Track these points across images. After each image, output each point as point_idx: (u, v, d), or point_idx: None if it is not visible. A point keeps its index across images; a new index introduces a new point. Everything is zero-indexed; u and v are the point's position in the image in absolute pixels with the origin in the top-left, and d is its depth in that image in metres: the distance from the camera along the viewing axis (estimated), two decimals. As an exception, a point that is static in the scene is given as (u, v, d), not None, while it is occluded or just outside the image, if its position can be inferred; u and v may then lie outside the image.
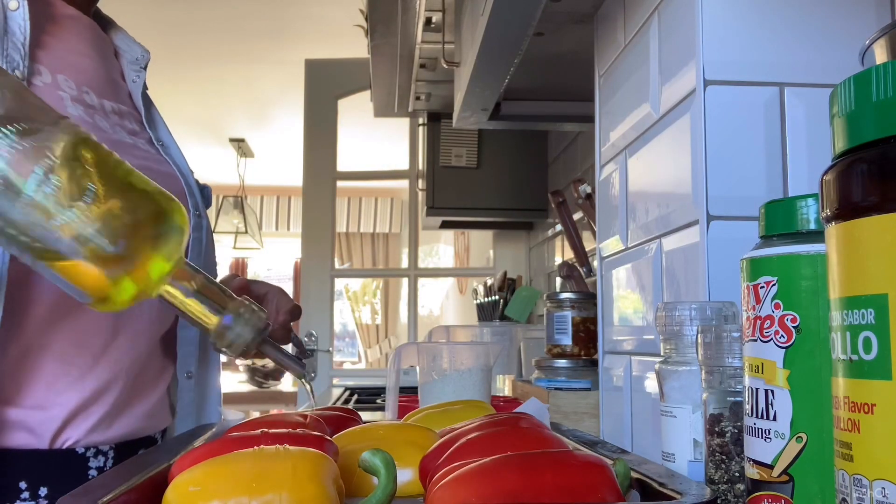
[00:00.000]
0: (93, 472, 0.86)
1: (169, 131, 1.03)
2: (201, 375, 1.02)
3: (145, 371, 0.93)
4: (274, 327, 0.99)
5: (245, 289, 1.01)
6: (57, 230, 0.55)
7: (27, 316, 0.80)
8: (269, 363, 5.65)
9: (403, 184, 3.78)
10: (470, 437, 0.58)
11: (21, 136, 0.55)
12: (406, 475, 0.58)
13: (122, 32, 1.02)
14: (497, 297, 2.74)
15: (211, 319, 0.59)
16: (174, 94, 4.41)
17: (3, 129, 0.54)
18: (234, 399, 5.11)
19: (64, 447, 0.84)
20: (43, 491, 0.82)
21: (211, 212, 1.04)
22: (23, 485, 0.81)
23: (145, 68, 1.02)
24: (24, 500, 0.81)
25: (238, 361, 5.73)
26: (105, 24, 1.00)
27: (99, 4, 1.00)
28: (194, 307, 0.59)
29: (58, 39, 0.88)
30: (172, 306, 0.59)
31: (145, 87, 1.02)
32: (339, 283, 6.67)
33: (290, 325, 1.01)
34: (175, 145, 1.01)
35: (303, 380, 0.67)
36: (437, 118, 2.62)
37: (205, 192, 1.04)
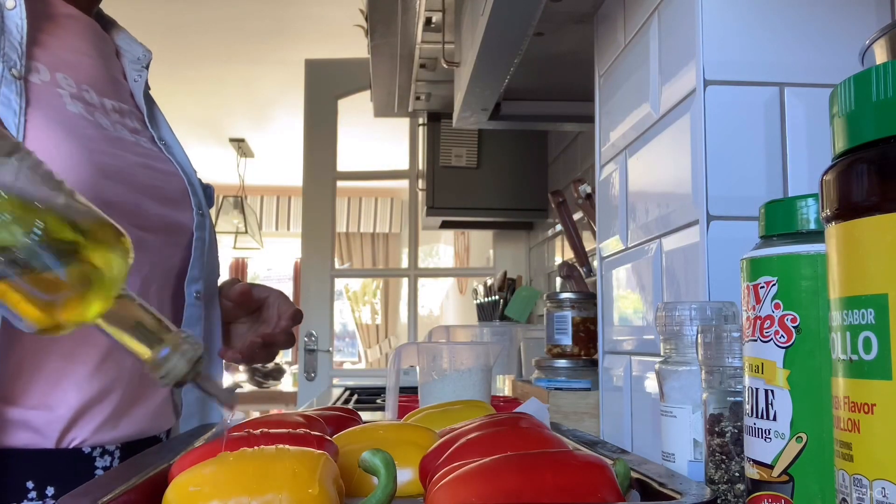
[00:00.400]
0: (99, 472, 0.86)
1: (171, 131, 1.03)
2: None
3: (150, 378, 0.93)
4: (275, 332, 0.99)
5: (246, 293, 1.01)
6: None
7: None
8: (269, 363, 5.66)
9: (403, 184, 3.78)
10: (470, 437, 0.58)
11: None
12: (406, 475, 0.58)
13: (123, 32, 1.02)
14: (497, 297, 2.74)
15: (145, 352, 0.59)
16: (175, 94, 4.41)
17: None
18: (234, 399, 5.09)
19: (70, 447, 0.84)
20: (50, 490, 0.82)
21: (211, 212, 1.04)
22: (30, 484, 0.81)
23: (147, 67, 1.02)
24: (32, 499, 0.81)
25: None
26: (107, 24, 1.00)
27: (102, 4, 1.00)
28: (128, 341, 0.59)
29: (57, 38, 0.88)
30: (108, 336, 0.59)
31: (147, 87, 1.02)
32: (339, 283, 6.67)
33: (293, 329, 1.01)
34: (178, 144, 1.01)
35: (228, 409, 0.67)
36: (437, 118, 2.62)
37: (208, 191, 1.04)
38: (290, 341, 1.01)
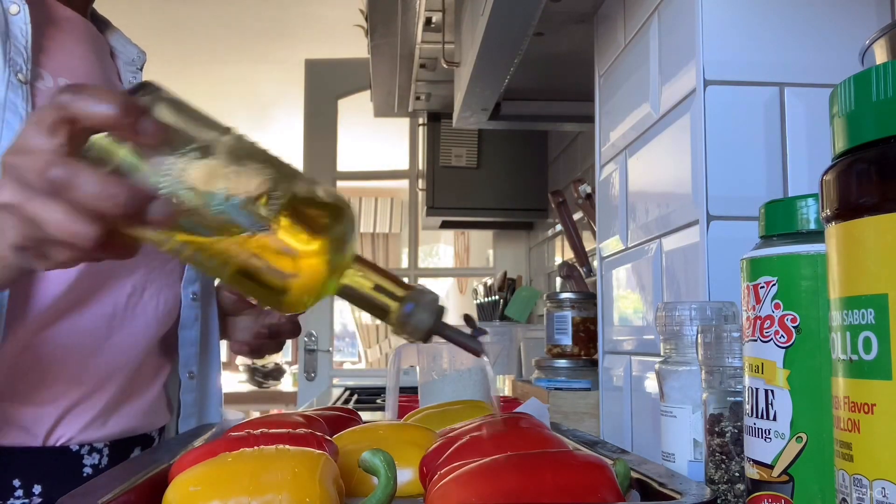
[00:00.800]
0: (87, 470, 0.86)
1: None
2: (203, 376, 1.02)
3: (141, 370, 0.92)
4: (281, 322, 0.99)
5: None
6: (244, 241, 0.54)
7: (23, 315, 0.80)
8: (269, 363, 5.65)
9: (403, 184, 3.78)
10: (470, 437, 0.58)
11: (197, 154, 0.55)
12: (406, 475, 0.58)
13: (117, 33, 1.01)
14: (497, 297, 2.74)
15: (391, 308, 0.59)
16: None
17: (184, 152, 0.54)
18: (234, 399, 5.11)
19: (58, 445, 0.84)
20: (37, 489, 0.82)
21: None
22: (16, 483, 0.81)
23: (141, 69, 1.01)
24: (18, 497, 0.81)
25: (238, 361, 5.73)
26: (101, 24, 1.00)
27: (100, 4, 0.99)
28: (377, 296, 0.59)
29: (56, 42, 0.88)
30: (353, 297, 0.59)
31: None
32: (339, 283, 6.66)
33: (298, 319, 1.01)
34: None
35: (483, 357, 0.66)
36: (437, 118, 2.62)
37: None
38: (296, 330, 1.00)
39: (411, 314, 0.58)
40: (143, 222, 0.52)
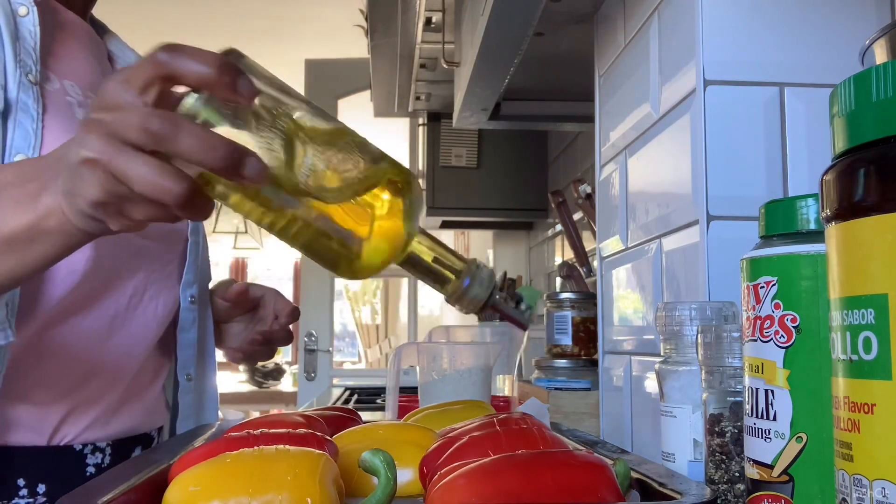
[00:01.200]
0: (90, 469, 0.87)
1: None
2: (200, 377, 1.03)
3: (142, 370, 0.93)
4: (274, 329, 1.00)
5: (243, 293, 1.01)
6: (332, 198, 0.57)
7: (27, 316, 0.81)
8: (269, 363, 5.65)
9: (403, 184, 3.77)
10: (470, 437, 0.58)
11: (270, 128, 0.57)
12: (406, 475, 0.58)
13: (116, 38, 1.02)
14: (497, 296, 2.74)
15: (451, 280, 0.62)
16: (174, 94, 4.41)
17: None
18: (234, 399, 5.11)
19: (62, 444, 0.85)
20: (41, 488, 0.82)
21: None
22: (21, 482, 0.82)
23: None
24: (23, 497, 0.81)
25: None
26: (100, 29, 1.01)
27: (100, 5, 0.99)
28: (437, 268, 0.61)
29: (61, 45, 0.88)
30: (417, 267, 0.61)
31: None
32: (339, 283, 6.67)
33: (290, 327, 1.02)
34: None
35: (523, 329, 0.69)
36: (437, 118, 2.62)
37: None
38: (288, 338, 1.02)
39: (469, 288, 0.61)
40: (238, 178, 0.52)
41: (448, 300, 0.64)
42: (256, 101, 0.55)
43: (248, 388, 5.43)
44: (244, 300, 1.02)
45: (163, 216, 0.56)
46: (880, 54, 0.57)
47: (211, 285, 1.06)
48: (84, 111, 0.86)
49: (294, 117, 0.57)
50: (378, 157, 0.59)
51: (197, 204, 0.54)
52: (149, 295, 0.92)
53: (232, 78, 0.52)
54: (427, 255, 0.62)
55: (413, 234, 0.60)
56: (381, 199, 0.58)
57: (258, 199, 0.56)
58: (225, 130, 0.54)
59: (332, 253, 0.58)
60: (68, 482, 0.83)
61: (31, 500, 0.82)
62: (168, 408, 1.01)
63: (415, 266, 0.62)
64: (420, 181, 2.95)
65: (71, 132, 0.81)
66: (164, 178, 0.52)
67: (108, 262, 0.87)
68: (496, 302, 0.63)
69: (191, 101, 0.54)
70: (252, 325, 1.04)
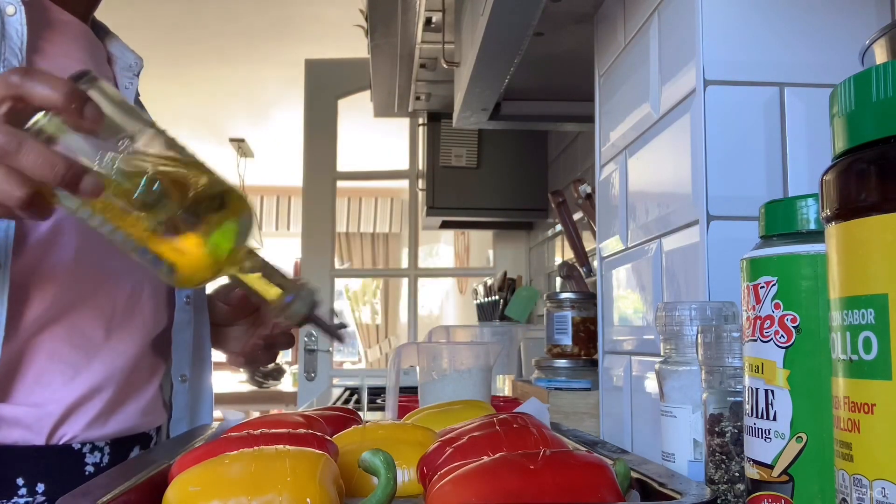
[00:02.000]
0: (89, 468, 0.87)
1: None
2: (195, 378, 1.03)
3: (139, 369, 0.93)
4: (276, 333, 1.00)
5: (244, 298, 1.01)
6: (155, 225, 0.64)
7: (24, 315, 0.81)
8: (269, 364, 5.65)
9: (403, 184, 3.78)
10: (470, 437, 0.58)
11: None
12: (406, 475, 0.58)
13: (116, 40, 1.02)
14: (497, 297, 2.74)
15: (273, 296, 0.70)
16: (175, 94, 4.41)
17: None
18: (234, 399, 5.10)
19: (61, 443, 0.85)
20: (40, 487, 0.83)
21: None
22: (20, 481, 0.82)
23: (138, 75, 1.02)
24: (22, 496, 0.81)
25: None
26: (100, 31, 1.01)
27: (101, 5, 1.00)
28: (258, 288, 0.70)
29: (53, 45, 0.88)
30: (240, 283, 0.70)
31: (137, 94, 1.03)
32: (339, 283, 6.68)
33: (292, 331, 1.02)
34: None
35: (340, 343, 0.78)
36: (437, 118, 2.62)
37: None
38: (290, 342, 1.02)
39: (291, 303, 0.70)
40: (73, 192, 0.60)
41: (272, 314, 0.75)
42: (103, 122, 0.62)
43: (248, 388, 5.43)
44: (246, 305, 1.02)
45: (6, 215, 0.63)
46: (880, 54, 0.57)
47: (211, 289, 1.06)
48: None
49: (135, 139, 0.64)
50: (213, 181, 0.66)
51: (36, 207, 0.61)
52: (146, 295, 0.92)
53: (79, 104, 0.60)
54: (252, 274, 0.69)
55: (234, 255, 0.67)
56: (204, 221, 0.65)
57: (94, 207, 0.63)
58: (67, 148, 0.61)
59: (158, 262, 0.66)
60: (67, 481, 0.83)
61: (30, 499, 0.82)
62: (166, 407, 1.01)
63: (239, 282, 0.69)
64: (420, 181, 2.95)
65: None
66: (6, 184, 0.59)
67: (105, 263, 0.87)
68: (314, 318, 0.71)
69: (39, 118, 0.61)
70: (253, 327, 1.04)
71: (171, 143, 0.66)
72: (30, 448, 0.83)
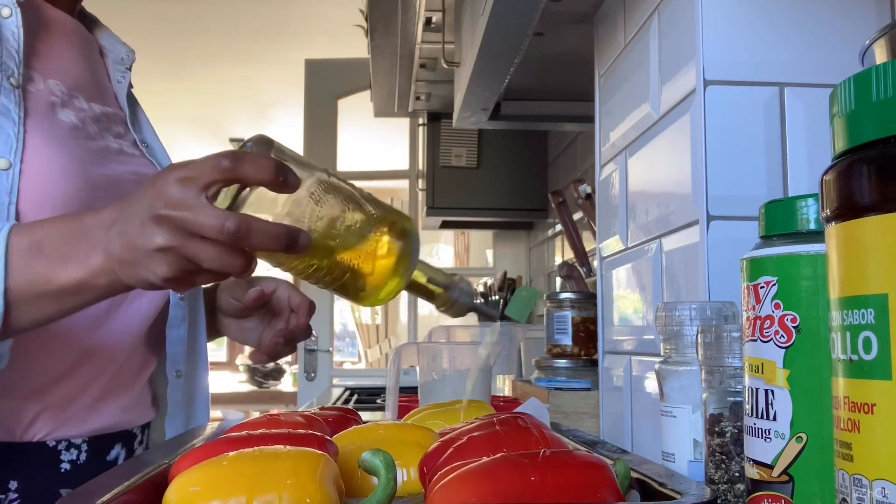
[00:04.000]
0: (65, 466, 0.85)
1: (154, 131, 1.02)
2: (190, 375, 1.01)
3: (125, 366, 0.92)
4: (292, 327, 0.98)
5: (261, 297, 0.98)
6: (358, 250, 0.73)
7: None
8: (269, 364, 5.65)
9: (403, 184, 3.78)
10: (470, 437, 0.58)
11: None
12: (406, 475, 0.58)
13: (106, 32, 1.01)
14: (497, 297, 2.74)
15: (441, 294, 0.80)
16: (174, 94, 4.41)
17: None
18: (234, 399, 5.11)
19: (34, 440, 0.83)
20: (13, 484, 0.81)
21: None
22: None
23: (130, 69, 1.01)
24: None
25: (238, 361, 5.73)
26: (90, 23, 0.99)
27: (101, 5, 0.99)
28: (431, 287, 0.81)
29: (47, 44, 0.87)
30: (415, 290, 0.80)
31: (130, 87, 1.01)
32: (339, 283, 6.65)
33: (309, 323, 1.00)
34: (160, 146, 1.01)
35: (495, 320, 0.84)
36: (437, 118, 2.62)
37: None
38: (307, 333, 1.00)
39: (457, 298, 0.81)
40: (294, 252, 0.68)
41: (439, 309, 0.82)
42: (299, 182, 0.68)
43: (248, 388, 5.43)
44: (262, 302, 1.00)
45: (220, 280, 0.69)
46: (880, 54, 0.57)
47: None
48: (69, 112, 0.85)
49: (319, 186, 0.71)
50: (385, 206, 0.74)
51: (249, 268, 0.68)
52: (135, 292, 0.89)
53: (284, 177, 0.66)
54: (422, 279, 0.80)
55: (415, 266, 0.75)
56: (392, 241, 0.73)
57: (297, 257, 0.70)
58: (276, 215, 0.69)
59: (353, 289, 0.74)
60: (41, 479, 0.83)
61: (2, 496, 0.80)
62: (155, 405, 0.99)
63: (414, 289, 0.80)
64: (420, 181, 2.95)
65: (52, 136, 0.81)
66: (231, 258, 0.65)
67: None
68: (477, 306, 0.80)
69: (246, 193, 0.68)
70: (267, 318, 1.01)
71: (344, 181, 0.74)
72: (2, 444, 0.81)
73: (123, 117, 0.97)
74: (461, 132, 2.62)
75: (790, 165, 0.78)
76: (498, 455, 0.51)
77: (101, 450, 0.89)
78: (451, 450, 0.55)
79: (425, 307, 6.35)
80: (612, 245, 1.09)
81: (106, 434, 0.89)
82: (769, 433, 0.49)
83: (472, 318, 3.26)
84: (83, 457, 0.87)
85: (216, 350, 6.26)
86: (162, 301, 0.95)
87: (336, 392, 2.60)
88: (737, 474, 0.58)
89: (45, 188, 0.79)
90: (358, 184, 0.75)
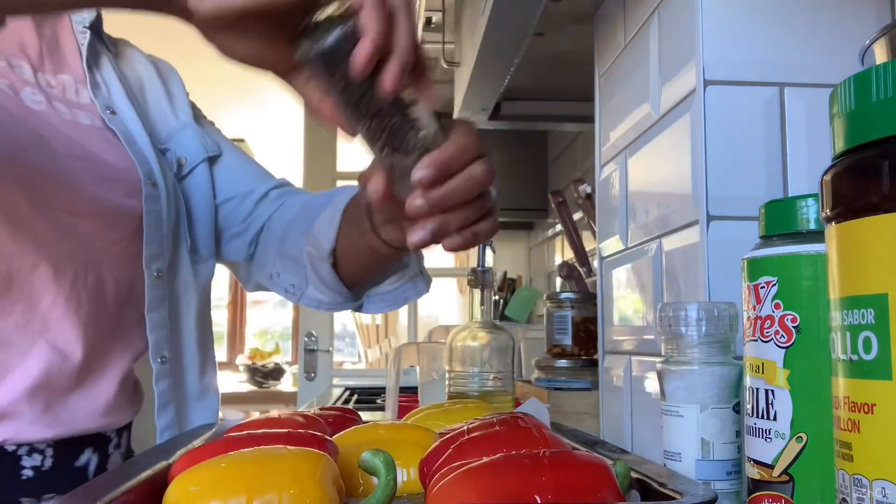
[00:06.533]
0: (27, 472, 0.79)
1: (127, 94, 0.93)
2: (176, 360, 0.92)
3: (92, 364, 0.84)
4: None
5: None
6: None
7: None
8: (269, 363, 5.62)
9: (403, 184, 3.78)
10: (470, 437, 0.58)
11: None
12: (406, 475, 0.58)
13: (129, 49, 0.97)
14: (497, 297, 2.74)
15: None
16: (174, 94, 4.41)
17: None
18: (234, 399, 5.11)
19: None
20: None
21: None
22: None
23: (90, 28, 0.92)
24: None
25: (238, 361, 5.72)
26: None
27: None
28: None
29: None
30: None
31: (96, 50, 0.93)
32: (339, 283, 6.65)
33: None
34: (131, 110, 0.91)
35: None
36: (437, 118, 2.62)
37: (167, 155, 0.94)
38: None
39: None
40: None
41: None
42: None
43: (248, 388, 5.43)
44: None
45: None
46: (880, 54, 0.57)
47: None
48: (2, 81, 0.80)
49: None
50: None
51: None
52: (93, 279, 0.83)
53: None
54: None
55: None
56: None
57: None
58: None
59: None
60: (1, 486, 0.77)
61: None
62: (136, 402, 0.91)
63: None
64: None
65: None
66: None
67: (44, 244, 0.79)
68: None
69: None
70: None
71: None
72: None
73: (82, 80, 0.89)
74: (461, 132, 2.61)
75: (790, 165, 0.78)
76: (498, 455, 0.51)
77: (70, 455, 0.82)
78: (451, 450, 0.55)
79: (425, 307, 6.35)
80: (612, 245, 1.09)
81: (74, 437, 0.82)
82: (769, 433, 0.49)
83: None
84: (48, 462, 0.80)
85: (216, 350, 6.26)
86: (132, 283, 0.87)
87: (336, 392, 2.60)
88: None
89: None
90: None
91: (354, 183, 0.74)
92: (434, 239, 0.65)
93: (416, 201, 0.63)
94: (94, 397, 0.84)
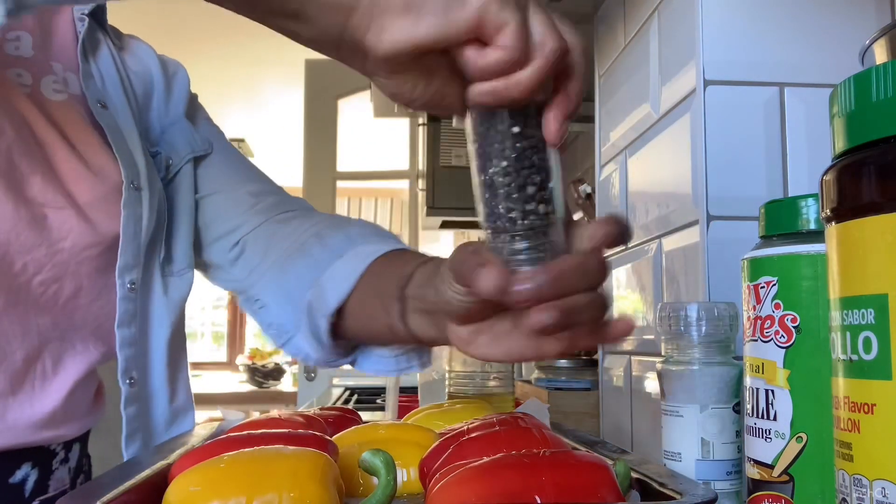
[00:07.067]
0: None
1: (123, 86, 0.86)
2: (143, 384, 0.82)
3: (31, 372, 0.74)
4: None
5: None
6: None
7: None
8: (269, 363, 5.62)
9: (403, 184, 3.78)
10: (470, 437, 0.58)
11: None
12: (406, 475, 0.58)
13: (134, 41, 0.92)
14: (497, 297, 2.74)
15: None
16: (174, 94, 4.41)
17: None
18: (234, 399, 5.11)
19: None
20: None
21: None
22: None
23: (90, 15, 0.85)
24: None
25: (238, 361, 5.72)
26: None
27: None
28: None
29: None
30: None
31: (93, 38, 0.85)
32: (339, 283, 6.65)
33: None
34: (125, 108, 0.84)
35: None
36: (437, 118, 2.62)
37: (157, 158, 0.86)
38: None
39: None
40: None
41: None
42: None
43: (248, 388, 5.43)
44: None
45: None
46: (880, 54, 0.57)
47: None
48: None
49: None
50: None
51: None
52: (54, 290, 0.74)
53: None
54: None
55: None
56: None
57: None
58: None
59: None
60: None
61: None
62: (88, 415, 0.81)
63: None
64: (420, 181, 2.95)
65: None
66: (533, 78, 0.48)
67: None
68: None
69: None
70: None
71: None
72: None
73: (75, 69, 0.82)
74: (461, 132, 2.60)
75: (790, 165, 0.78)
76: (498, 455, 0.51)
77: (2, 470, 0.72)
78: (451, 450, 0.55)
79: (425, 307, 6.35)
80: (612, 245, 1.09)
81: (8, 451, 0.72)
82: (769, 433, 0.49)
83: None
84: None
85: (216, 350, 6.26)
86: (97, 293, 0.78)
87: (336, 392, 2.60)
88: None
89: None
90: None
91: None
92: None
93: (541, 315, 0.49)
94: (35, 406, 0.74)
